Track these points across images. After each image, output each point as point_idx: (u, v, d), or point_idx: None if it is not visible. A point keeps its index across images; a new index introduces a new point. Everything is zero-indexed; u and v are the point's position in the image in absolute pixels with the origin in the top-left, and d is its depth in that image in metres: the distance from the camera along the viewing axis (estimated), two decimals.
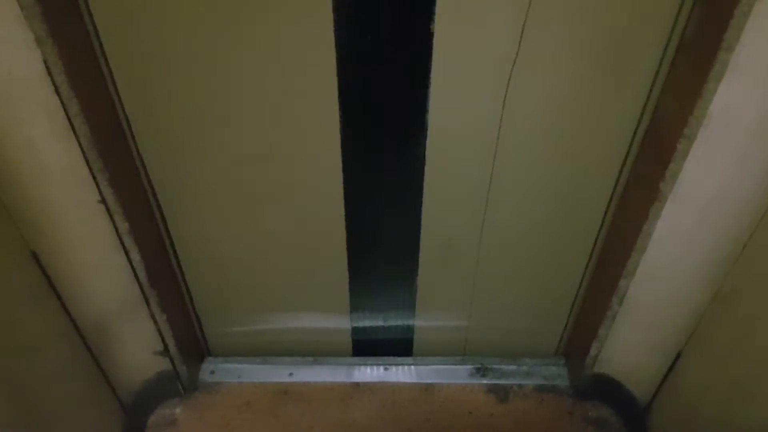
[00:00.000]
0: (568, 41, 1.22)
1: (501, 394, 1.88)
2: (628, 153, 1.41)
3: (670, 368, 1.63)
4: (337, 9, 1.18)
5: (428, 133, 1.39)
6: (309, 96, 1.32)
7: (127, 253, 1.44)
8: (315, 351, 1.96)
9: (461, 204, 1.55)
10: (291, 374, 1.92)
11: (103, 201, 1.32)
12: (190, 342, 1.87)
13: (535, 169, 1.46)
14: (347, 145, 1.42)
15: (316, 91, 1.31)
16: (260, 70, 1.27)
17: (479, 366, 1.94)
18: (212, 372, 1.93)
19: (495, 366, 1.94)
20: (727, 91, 1.11)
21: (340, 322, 1.89)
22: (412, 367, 1.95)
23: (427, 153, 1.44)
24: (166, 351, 1.71)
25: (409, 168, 1.48)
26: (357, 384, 1.91)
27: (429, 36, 1.22)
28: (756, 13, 1.01)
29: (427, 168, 1.47)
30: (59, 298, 1.43)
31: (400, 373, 1.94)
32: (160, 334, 1.66)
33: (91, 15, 1.17)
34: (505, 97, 1.31)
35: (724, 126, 1.16)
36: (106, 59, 1.24)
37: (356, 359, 1.97)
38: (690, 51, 1.16)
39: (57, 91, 1.13)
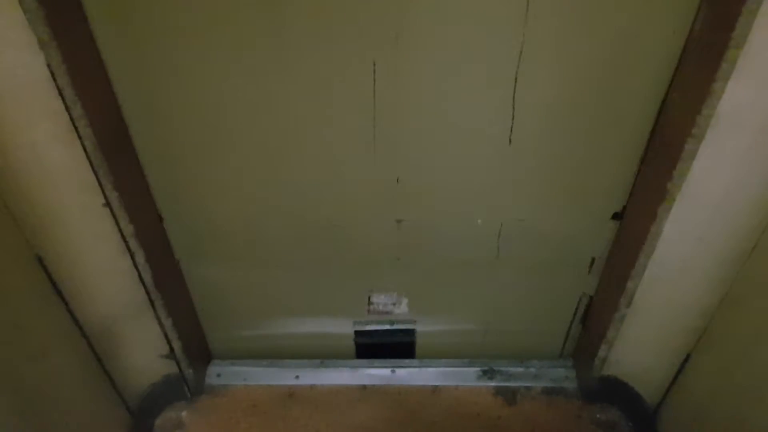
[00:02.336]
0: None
1: (509, 396, 1.87)
2: (635, 153, 1.40)
3: (680, 370, 1.61)
4: None
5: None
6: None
7: (132, 256, 1.44)
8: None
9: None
10: (297, 377, 1.92)
11: (108, 204, 1.32)
12: (197, 345, 1.87)
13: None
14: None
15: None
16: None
17: (487, 368, 1.93)
18: (218, 375, 1.93)
19: (502, 368, 1.93)
20: (736, 90, 1.09)
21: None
22: (419, 369, 1.94)
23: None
24: (172, 354, 1.71)
25: None
26: (364, 387, 1.90)
27: None
28: (764, 10, 1.00)
29: None
30: (64, 301, 1.43)
31: (407, 375, 1.93)
32: (166, 337, 1.66)
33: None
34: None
35: (733, 125, 1.15)
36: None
37: (363, 361, 1.97)
38: (698, 49, 1.15)
39: (61, 94, 1.13)
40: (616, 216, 1.54)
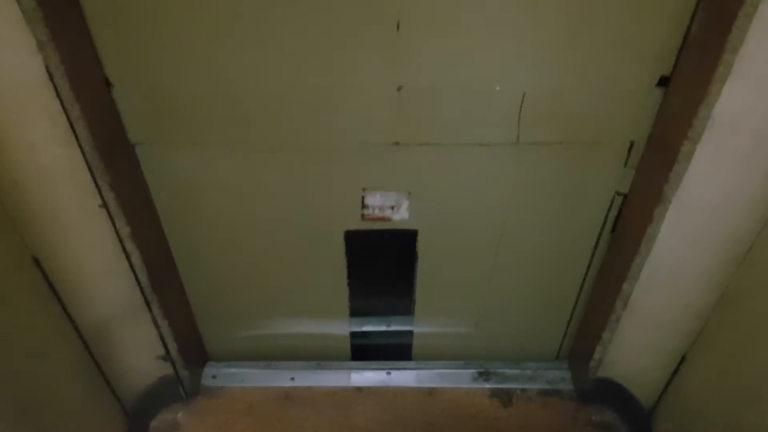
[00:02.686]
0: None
1: (504, 398, 1.87)
2: (629, 157, 1.40)
3: (675, 372, 1.62)
4: None
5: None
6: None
7: (128, 258, 1.44)
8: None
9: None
10: (293, 378, 1.92)
11: (105, 205, 1.32)
12: (193, 346, 1.87)
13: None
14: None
15: None
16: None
17: (482, 370, 1.93)
18: (214, 377, 1.93)
19: (498, 370, 1.94)
20: (732, 93, 1.10)
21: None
22: (415, 371, 1.94)
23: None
24: (168, 355, 1.71)
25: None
26: (359, 388, 1.90)
27: None
28: (760, 14, 1.00)
29: None
30: (61, 303, 1.43)
31: (403, 377, 1.93)
32: (162, 338, 1.65)
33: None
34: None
35: (729, 128, 1.16)
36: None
37: (359, 363, 1.97)
38: (694, 52, 1.16)
39: (58, 95, 1.13)
40: (663, 81, 1.27)
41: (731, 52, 1.05)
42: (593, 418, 1.82)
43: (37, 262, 1.34)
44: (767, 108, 1.13)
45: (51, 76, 1.11)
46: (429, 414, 1.84)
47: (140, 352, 1.70)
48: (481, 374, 1.92)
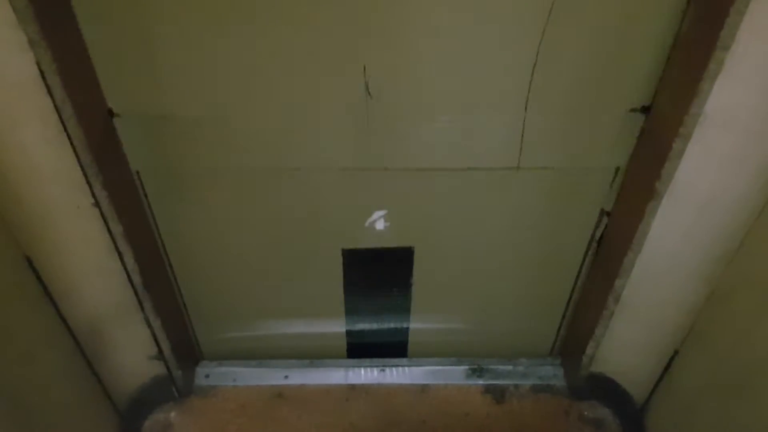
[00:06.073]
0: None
1: (497, 394, 1.88)
2: (623, 153, 1.41)
3: (667, 367, 1.63)
4: None
5: None
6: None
7: (121, 257, 1.43)
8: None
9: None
10: (286, 377, 1.91)
11: (97, 204, 1.31)
12: (185, 346, 1.86)
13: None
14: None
15: None
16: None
17: (475, 367, 1.94)
18: (207, 376, 1.92)
19: (491, 366, 1.94)
20: (723, 90, 1.11)
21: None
22: (408, 368, 1.94)
23: None
24: (160, 355, 1.70)
25: None
26: (353, 386, 1.90)
27: None
28: (752, 11, 1.01)
29: None
30: (53, 302, 1.42)
31: (396, 374, 1.93)
32: (155, 338, 1.64)
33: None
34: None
35: (720, 125, 1.17)
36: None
37: (352, 361, 1.96)
38: (685, 50, 1.16)
39: (50, 93, 1.12)
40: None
41: (722, 49, 1.06)
42: (586, 413, 1.83)
43: (29, 262, 1.33)
44: (758, 105, 1.14)
45: (42, 75, 1.10)
46: (422, 411, 1.84)
47: (133, 352, 1.69)
48: (474, 371, 1.93)
